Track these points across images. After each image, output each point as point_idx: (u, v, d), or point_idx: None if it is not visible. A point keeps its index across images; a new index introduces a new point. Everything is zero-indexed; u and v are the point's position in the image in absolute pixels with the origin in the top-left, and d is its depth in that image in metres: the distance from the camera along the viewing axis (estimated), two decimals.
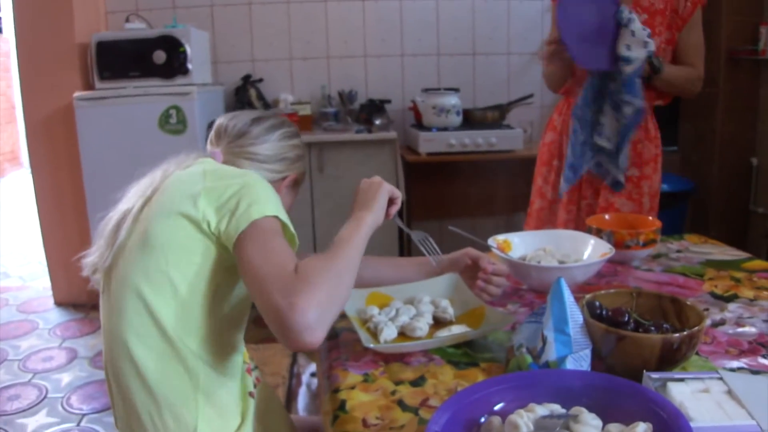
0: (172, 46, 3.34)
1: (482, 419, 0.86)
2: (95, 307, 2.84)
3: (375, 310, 1.32)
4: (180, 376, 1.18)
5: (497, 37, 4.20)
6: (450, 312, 1.30)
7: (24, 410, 2.66)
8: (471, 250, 1.47)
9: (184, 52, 3.34)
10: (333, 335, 1.29)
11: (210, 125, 1.45)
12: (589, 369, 0.99)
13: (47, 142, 3.63)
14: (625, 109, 2.16)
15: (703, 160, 4.12)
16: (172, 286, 1.17)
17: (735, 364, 1.10)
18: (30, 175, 3.77)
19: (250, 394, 1.31)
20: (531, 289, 1.48)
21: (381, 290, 1.40)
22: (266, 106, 3.94)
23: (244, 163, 1.36)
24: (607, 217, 1.77)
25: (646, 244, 1.60)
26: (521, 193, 3.30)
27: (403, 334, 1.25)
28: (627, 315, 1.07)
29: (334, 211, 3.62)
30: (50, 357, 3.17)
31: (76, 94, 3.41)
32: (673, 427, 0.77)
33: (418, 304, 1.33)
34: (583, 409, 0.82)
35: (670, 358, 0.98)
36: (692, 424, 0.78)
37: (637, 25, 2.06)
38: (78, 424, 2.56)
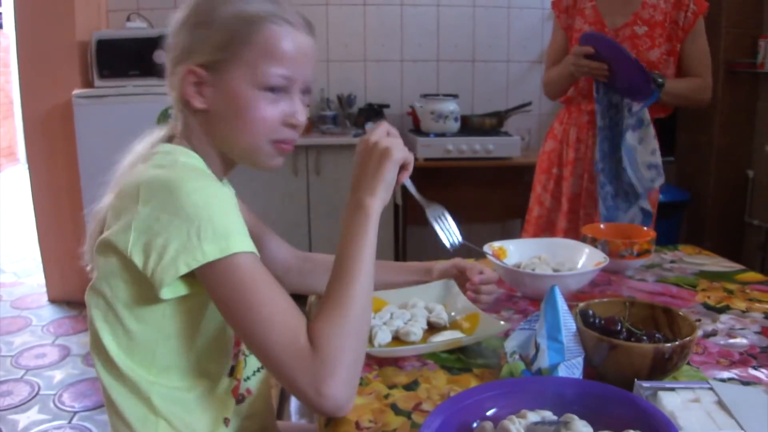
0: None
1: (474, 424, 0.87)
2: None
3: None
4: (133, 399, 1.06)
5: (497, 45, 4.21)
6: (444, 317, 1.31)
7: (16, 406, 2.66)
8: (459, 261, 1.44)
9: None
10: None
11: None
12: (581, 377, 0.99)
13: (45, 139, 3.64)
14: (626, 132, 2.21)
15: (699, 172, 4.13)
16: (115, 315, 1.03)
17: (726, 374, 1.10)
18: (27, 172, 3.77)
19: (225, 421, 1.13)
20: (525, 297, 1.48)
21: (376, 294, 1.40)
22: None
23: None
24: (602, 226, 1.78)
25: (640, 254, 1.60)
26: (518, 200, 3.31)
27: (397, 339, 1.25)
28: (620, 324, 1.08)
29: (330, 214, 3.63)
30: (43, 354, 3.16)
31: (76, 91, 3.41)
32: None
33: (412, 309, 1.33)
34: (575, 417, 0.82)
35: (662, 368, 0.99)
36: None
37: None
38: (70, 422, 2.56)
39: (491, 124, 3.82)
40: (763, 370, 1.11)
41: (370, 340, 1.22)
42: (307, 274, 1.44)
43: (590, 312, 1.11)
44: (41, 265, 3.86)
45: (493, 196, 3.96)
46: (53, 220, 3.71)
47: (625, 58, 2.07)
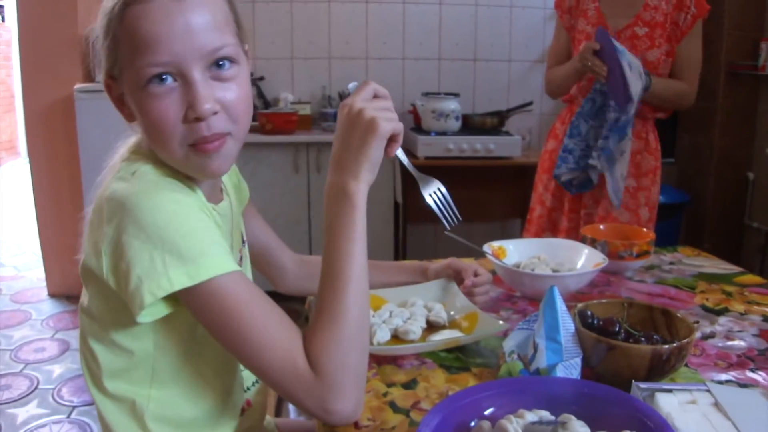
0: None
1: (472, 423, 0.87)
2: None
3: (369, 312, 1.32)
4: (119, 410, 1.00)
5: (498, 44, 4.21)
6: (443, 316, 1.31)
7: (15, 400, 2.67)
8: (454, 262, 1.41)
9: None
10: None
11: None
12: (579, 377, 1.00)
13: (46, 133, 3.64)
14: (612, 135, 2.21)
15: (699, 173, 4.13)
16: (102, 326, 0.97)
17: (723, 376, 1.11)
18: (27, 165, 3.77)
19: None
20: (524, 297, 1.49)
21: (374, 293, 1.40)
22: (266, 104, 3.95)
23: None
24: (602, 227, 1.78)
25: (639, 256, 1.61)
26: (518, 199, 3.32)
27: (396, 337, 1.25)
28: (618, 325, 1.08)
29: None
30: (42, 348, 3.17)
31: (77, 86, 3.42)
32: None
33: (411, 308, 1.34)
34: (572, 417, 0.82)
35: (659, 369, 0.99)
36: None
37: (629, 56, 2.10)
38: (68, 416, 2.56)
39: (492, 123, 3.82)
40: (761, 373, 1.12)
41: (369, 339, 1.23)
42: (304, 277, 1.40)
43: (589, 312, 1.11)
44: (41, 259, 3.86)
45: (493, 196, 3.95)
46: (54, 214, 3.71)
47: (617, 66, 2.07)
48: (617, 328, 1.08)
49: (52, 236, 3.75)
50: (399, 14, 4.12)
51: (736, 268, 1.70)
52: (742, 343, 1.24)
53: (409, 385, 1.09)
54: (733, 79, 3.88)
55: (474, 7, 4.15)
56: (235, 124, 0.93)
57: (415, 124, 3.86)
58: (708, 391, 0.95)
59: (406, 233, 3.81)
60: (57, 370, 2.94)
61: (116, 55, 0.90)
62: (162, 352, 0.96)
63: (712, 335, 1.28)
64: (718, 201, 4.05)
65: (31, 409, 2.61)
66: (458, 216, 1.18)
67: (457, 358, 1.18)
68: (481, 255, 1.53)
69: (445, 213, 1.17)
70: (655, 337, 1.07)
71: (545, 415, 0.85)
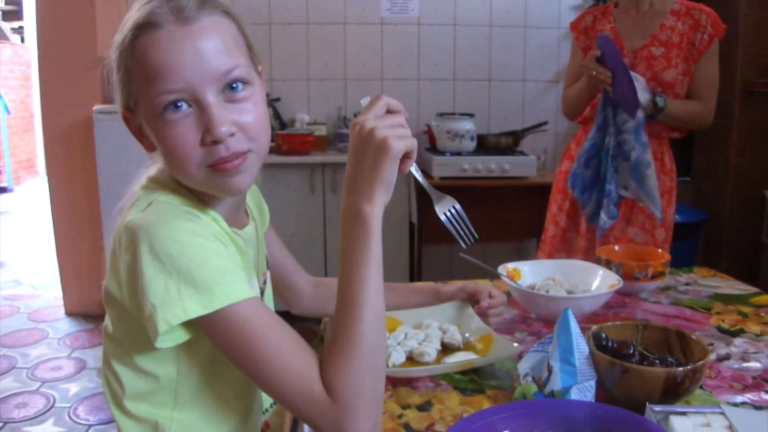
0: None
1: None
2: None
3: None
4: (141, 431, 1.00)
5: (513, 64, 4.23)
6: (458, 338, 1.31)
7: (31, 418, 2.68)
8: (468, 286, 1.41)
9: None
10: None
11: None
12: (593, 400, 1.00)
13: (65, 153, 3.68)
14: (630, 152, 2.20)
15: (716, 192, 4.11)
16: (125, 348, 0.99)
17: (739, 398, 1.10)
18: (46, 184, 3.82)
19: None
20: (539, 318, 1.49)
21: (390, 314, 1.40)
22: (283, 125, 3.98)
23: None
24: (617, 248, 1.78)
25: (654, 277, 1.60)
26: (533, 219, 3.30)
27: (411, 359, 1.26)
28: (632, 347, 1.08)
29: None
30: (59, 366, 3.19)
31: (96, 107, 3.46)
32: None
33: (426, 330, 1.34)
34: None
35: (674, 392, 0.99)
36: None
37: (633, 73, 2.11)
38: None
39: (507, 143, 3.83)
40: None
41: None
42: (320, 299, 1.40)
43: (603, 335, 1.11)
44: (59, 278, 3.90)
45: (508, 216, 3.95)
46: (72, 233, 3.74)
47: (621, 70, 2.08)
48: (631, 351, 1.08)
49: (69, 255, 3.78)
50: (414, 35, 4.14)
51: (752, 289, 1.69)
52: (757, 365, 1.24)
53: (424, 407, 1.09)
54: (748, 97, 3.87)
55: (488, 28, 4.17)
56: (253, 142, 0.93)
57: (431, 144, 3.87)
58: (722, 413, 0.95)
59: (422, 254, 3.81)
60: (73, 388, 2.96)
61: (130, 86, 0.92)
62: (185, 376, 0.97)
63: (727, 357, 1.28)
64: (735, 220, 4.03)
65: (48, 427, 2.62)
66: (474, 234, 1.15)
67: (471, 380, 1.18)
68: (495, 276, 1.53)
69: (460, 231, 1.15)
70: (669, 359, 1.07)
71: None
